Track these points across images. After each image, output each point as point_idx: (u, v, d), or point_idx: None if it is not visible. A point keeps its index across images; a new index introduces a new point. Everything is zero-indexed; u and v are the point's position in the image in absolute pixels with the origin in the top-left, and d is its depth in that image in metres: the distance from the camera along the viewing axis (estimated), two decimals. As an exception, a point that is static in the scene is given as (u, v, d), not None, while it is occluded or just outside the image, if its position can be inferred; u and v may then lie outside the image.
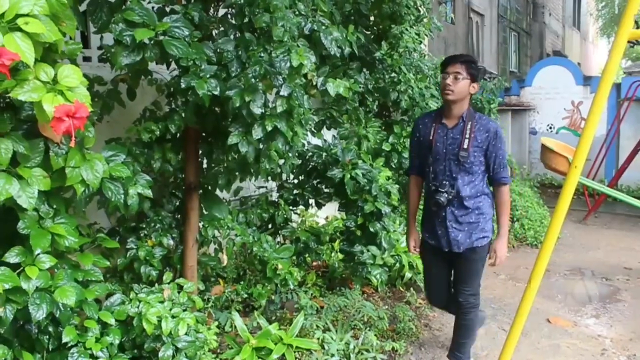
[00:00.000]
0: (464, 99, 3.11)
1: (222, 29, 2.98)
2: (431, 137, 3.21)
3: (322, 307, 4.09)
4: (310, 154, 4.19)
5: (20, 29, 1.75)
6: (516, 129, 11.46)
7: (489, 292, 5.06)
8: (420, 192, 3.52)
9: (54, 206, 2.35)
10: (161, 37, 2.34)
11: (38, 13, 1.78)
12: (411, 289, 4.68)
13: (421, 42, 5.39)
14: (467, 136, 3.11)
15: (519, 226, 6.99)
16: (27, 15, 1.75)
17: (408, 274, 4.59)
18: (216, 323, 3.45)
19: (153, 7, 2.65)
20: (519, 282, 5.40)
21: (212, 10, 3.14)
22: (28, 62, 1.74)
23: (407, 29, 4.65)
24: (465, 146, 3.11)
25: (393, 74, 4.69)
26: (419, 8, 5.45)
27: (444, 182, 3.17)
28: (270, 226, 4.36)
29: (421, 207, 3.63)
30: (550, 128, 11.23)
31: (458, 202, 3.20)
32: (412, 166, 3.49)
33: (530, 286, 2.69)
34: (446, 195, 3.16)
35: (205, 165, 3.47)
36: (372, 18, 5.01)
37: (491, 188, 3.29)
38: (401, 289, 4.78)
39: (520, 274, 5.67)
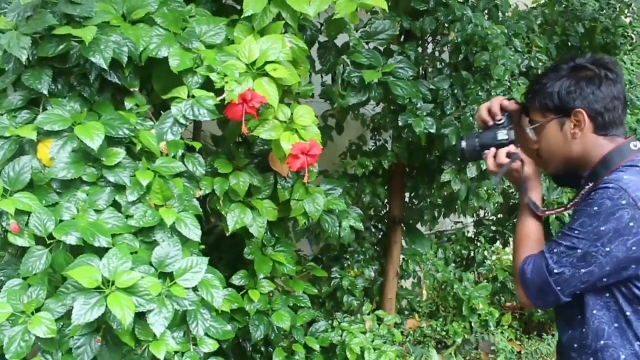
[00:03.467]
0: (567, 155, 1.58)
1: (432, 67, 3.03)
2: None
3: (519, 352, 3.91)
4: (512, 190, 4.05)
5: (266, 74, 1.91)
6: None
7: None
8: None
9: (276, 235, 2.51)
10: (385, 78, 2.44)
11: (283, 59, 1.94)
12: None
13: (635, 73, 5.00)
14: (568, 206, 1.64)
15: None
16: (274, 62, 1.91)
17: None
18: (412, 358, 3.45)
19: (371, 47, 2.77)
20: None
21: (422, 49, 3.20)
22: (273, 104, 1.90)
23: (622, 60, 4.33)
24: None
25: (606, 109, 4.37)
26: (633, 36, 5.08)
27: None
28: (465, 263, 4.28)
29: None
30: None
31: None
32: None
33: None
34: None
35: (407, 200, 3.51)
36: (579, 50, 4.75)
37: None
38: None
39: None
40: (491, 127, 1.71)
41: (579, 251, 1.45)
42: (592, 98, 1.52)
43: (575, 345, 1.58)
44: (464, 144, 1.77)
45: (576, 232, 1.47)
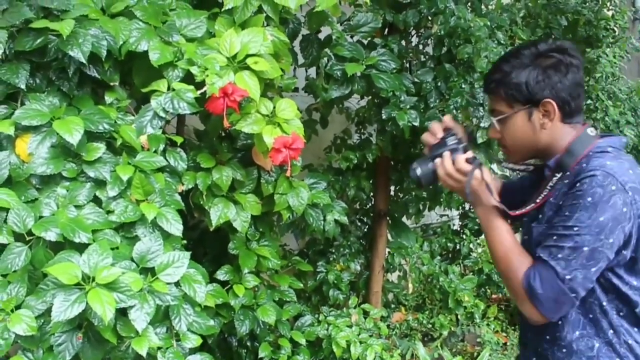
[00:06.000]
0: (534, 145, 1.57)
1: (415, 59, 3.03)
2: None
3: (505, 343, 3.94)
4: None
5: (247, 68, 1.90)
6: None
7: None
8: None
9: (260, 229, 2.51)
10: (368, 71, 2.44)
11: (264, 52, 1.92)
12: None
13: (617, 65, 5.05)
14: (537, 201, 1.56)
15: None
16: (255, 55, 1.90)
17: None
18: (398, 351, 3.45)
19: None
20: None
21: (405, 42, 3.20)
22: (255, 97, 1.88)
23: (604, 53, 4.37)
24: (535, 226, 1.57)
25: (589, 101, 4.43)
26: (615, 28, 5.12)
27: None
28: (450, 255, 4.30)
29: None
30: None
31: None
32: None
33: None
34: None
35: (392, 193, 3.52)
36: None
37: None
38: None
39: None
40: (438, 143, 1.65)
41: (585, 249, 1.39)
42: (560, 86, 1.50)
43: (548, 337, 1.56)
44: (418, 170, 1.66)
45: (575, 228, 1.40)
